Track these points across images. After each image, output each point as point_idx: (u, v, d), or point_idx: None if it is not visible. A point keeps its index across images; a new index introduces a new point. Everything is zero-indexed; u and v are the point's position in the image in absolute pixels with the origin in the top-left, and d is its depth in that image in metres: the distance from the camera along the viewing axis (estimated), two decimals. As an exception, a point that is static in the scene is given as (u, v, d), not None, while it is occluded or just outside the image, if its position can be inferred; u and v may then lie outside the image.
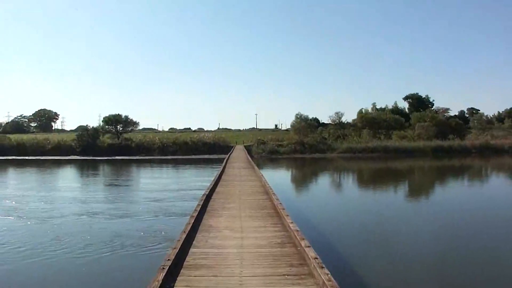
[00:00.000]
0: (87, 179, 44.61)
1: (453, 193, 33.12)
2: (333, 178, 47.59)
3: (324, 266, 7.57)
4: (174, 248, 8.87)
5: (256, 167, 32.97)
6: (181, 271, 8.11)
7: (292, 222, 11.44)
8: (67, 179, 45.52)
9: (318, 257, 8.11)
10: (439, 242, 16.87)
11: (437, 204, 27.97)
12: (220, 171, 29.62)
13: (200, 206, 14.40)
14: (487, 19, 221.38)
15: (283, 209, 13.60)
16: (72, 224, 19.55)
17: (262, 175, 25.98)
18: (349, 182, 43.55)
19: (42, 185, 37.73)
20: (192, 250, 9.63)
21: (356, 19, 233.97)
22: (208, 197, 17.08)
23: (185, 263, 8.63)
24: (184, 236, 10.04)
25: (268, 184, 20.74)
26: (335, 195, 32.67)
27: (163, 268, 7.51)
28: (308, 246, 8.91)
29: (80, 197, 28.84)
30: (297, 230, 10.46)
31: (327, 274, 7.13)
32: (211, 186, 20.36)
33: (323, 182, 42.53)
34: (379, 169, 58.88)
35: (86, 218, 21.04)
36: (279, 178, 43.09)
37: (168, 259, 8.06)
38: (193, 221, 11.93)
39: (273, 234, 11.25)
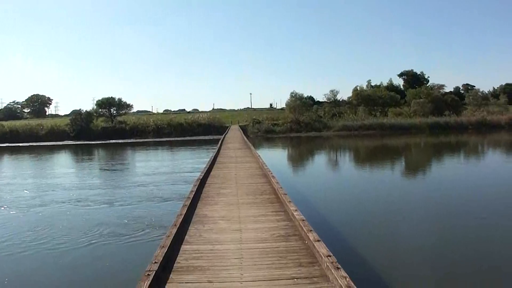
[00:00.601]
0: (80, 165, 43.16)
1: (454, 170, 31.81)
2: (332, 157, 46.32)
3: (340, 266, 6.25)
4: (162, 247, 7.48)
5: (252, 148, 31.55)
6: (170, 276, 6.73)
7: (296, 210, 10.14)
8: (59, 165, 44.06)
9: (331, 254, 6.79)
10: (441, 223, 15.89)
11: (438, 182, 26.58)
12: (215, 153, 28.27)
13: (193, 193, 13.03)
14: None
15: (285, 194, 12.26)
16: (56, 213, 18.33)
17: (259, 155, 24.55)
18: (349, 161, 42.17)
19: (31, 172, 36.45)
20: (183, 247, 8.24)
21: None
22: (202, 182, 15.71)
23: (175, 264, 7.25)
24: (174, 230, 8.69)
25: (266, 166, 19.34)
26: (336, 176, 31.40)
27: (148, 274, 6.16)
28: (318, 240, 7.59)
29: (70, 184, 27.39)
30: (303, 220, 9.17)
31: (345, 278, 5.81)
32: (206, 169, 18.95)
33: (322, 162, 41.28)
34: (377, 146, 57.56)
35: (73, 206, 19.86)
36: (276, 158, 41.92)
37: (155, 262, 6.69)
38: (185, 211, 10.57)
39: (276, 224, 9.88)
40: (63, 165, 44.27)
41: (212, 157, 24.76)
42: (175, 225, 9.15)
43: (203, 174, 17.08)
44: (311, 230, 8.27)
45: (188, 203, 11.51)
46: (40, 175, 33.61)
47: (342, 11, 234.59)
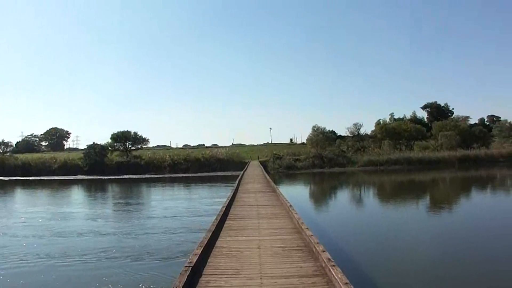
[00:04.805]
0: (90, 203, 36.63)
1: (486, 210, 27.24)
2: (365, 196, 38.04)
3: None
4: None
5: (279, 191, 23.09)
6: None
7: None
8: (68, 203, 36.92)
9: None
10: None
11: (466, 221, 22.64)
12: (228, 200, 19.54)
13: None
14: (496, 24, 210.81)
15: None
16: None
17: (290, 206, 16.12)
18: (386, 202, 33.87)
19: (40, 209, 30.63)
20: None
21: (371, 30, 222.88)
22: (194, 273, 7.74)
23: None
24: None
25: (307, 229, 11.03)
26: (372, 220, 23.86)
27: None
28: None
29: (71, 229, 22.07)
30: None
31: None
32: (208, 237, 10.55)
33: (354, 202, 33.22)
34: (409, 182, 50.21)
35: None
36: (304, 197, 35.33)
37: None
38: None
39: None
40: (73, 203, 37.22)
41: (224, 208, 16.18)
42: None
43: (200, 250, 8.91)
44: None
45: None
46: (48, 215, 27.45)
47: (363, 43, 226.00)
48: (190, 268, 7.64)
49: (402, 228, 21.03)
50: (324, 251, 8.53)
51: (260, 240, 11.12)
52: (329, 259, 7.93)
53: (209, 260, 9.06)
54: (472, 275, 12.89)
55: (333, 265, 7.48)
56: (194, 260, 8.13)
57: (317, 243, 9.34)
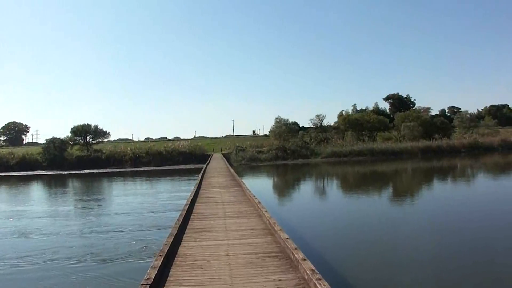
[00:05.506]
0: (40, 201, 33.91)
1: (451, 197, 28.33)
2: (334, 189, 37.20)
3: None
4: None
5: (245, 186, 21.62)
6: None
7: None
8: (26, 201, 34.32)
9: None
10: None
11: (440, 214, 21.75)
12: (191, 196, 18.01)
13: None
14: (462, 18, 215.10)
15: None
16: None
17: (259, 202, 14.81)
18: (353, 194, 33.04)
19: None
20: None
21: (333, 21, 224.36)
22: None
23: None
24: None
25: (281, 231, 9.80)
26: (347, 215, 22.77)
27: None
28: None
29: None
30: None
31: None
32: (169, 243, 9.10)
33: (327, 195, 32.28)
34: (375, 173, 49.76)
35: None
36: (272, 192, 34.51)
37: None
38: None
39: None
40: (25, 200, 34.84)
41: (185, 208, 14.38)
42: None
43: (154, 272, 7.28)
44: None
45: None
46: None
47: (326, 35, 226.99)
48: (148, 286, 6.31)
49: (369, 222, 20.22)
50: (305, 260, 7.32)
51: (228, 245, 9.77)
52: (312, 270, 6.72)
53: (170, 273, 7.70)
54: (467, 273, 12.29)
55: (319, 279, 6.27)
56: (153, 276, 6.77)
57: (295, 248, 8.13)
